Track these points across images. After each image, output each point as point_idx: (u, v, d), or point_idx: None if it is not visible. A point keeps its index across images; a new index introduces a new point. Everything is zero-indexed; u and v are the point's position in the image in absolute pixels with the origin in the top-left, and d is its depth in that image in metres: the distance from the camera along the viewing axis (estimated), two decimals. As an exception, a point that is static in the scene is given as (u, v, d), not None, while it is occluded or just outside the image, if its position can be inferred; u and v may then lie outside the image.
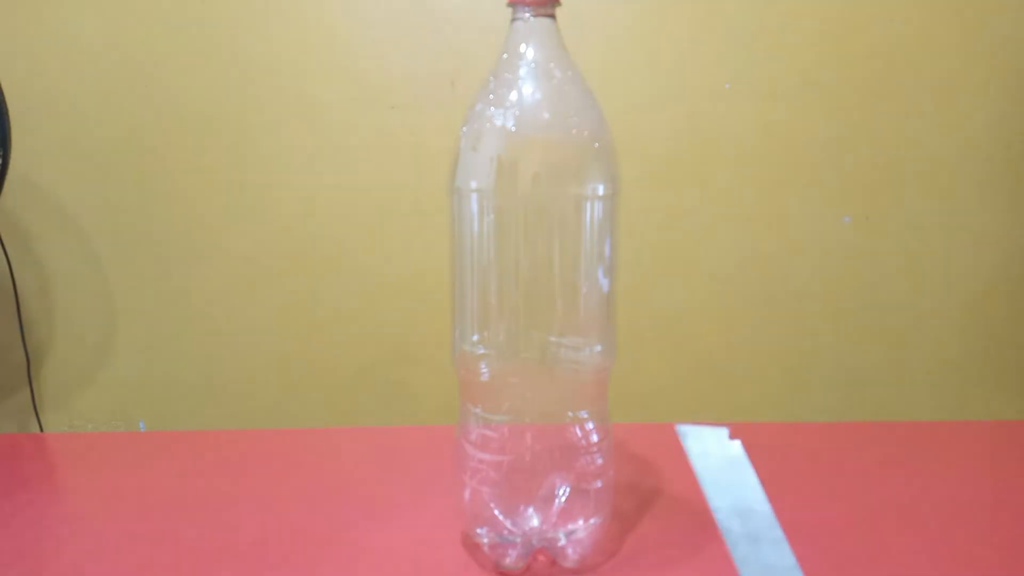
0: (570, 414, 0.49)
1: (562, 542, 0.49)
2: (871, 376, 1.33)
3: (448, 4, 1.22)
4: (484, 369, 0.48)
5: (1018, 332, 1.32)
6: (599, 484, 0.48)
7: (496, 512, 0.49)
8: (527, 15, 0.47)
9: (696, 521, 0.56)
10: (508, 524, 0.49)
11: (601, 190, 0.47)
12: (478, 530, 0.50)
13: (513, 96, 0.47)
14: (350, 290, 1.31)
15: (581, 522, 0.49)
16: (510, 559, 0.49)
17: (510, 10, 0.48)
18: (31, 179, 1.28)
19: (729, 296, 1.30)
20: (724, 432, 0.34)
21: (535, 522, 0.49)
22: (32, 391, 1.32)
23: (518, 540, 0.49)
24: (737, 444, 0.33)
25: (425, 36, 1.23)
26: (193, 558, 0.52)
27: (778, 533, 0.26)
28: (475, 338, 0.48)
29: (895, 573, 0.49)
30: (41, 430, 1.35)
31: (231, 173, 1.28)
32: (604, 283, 0.48)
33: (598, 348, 0.49)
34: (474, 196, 0.47)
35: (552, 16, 0.48)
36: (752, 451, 0.69)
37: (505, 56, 0.49)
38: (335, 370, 1.34)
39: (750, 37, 1.23)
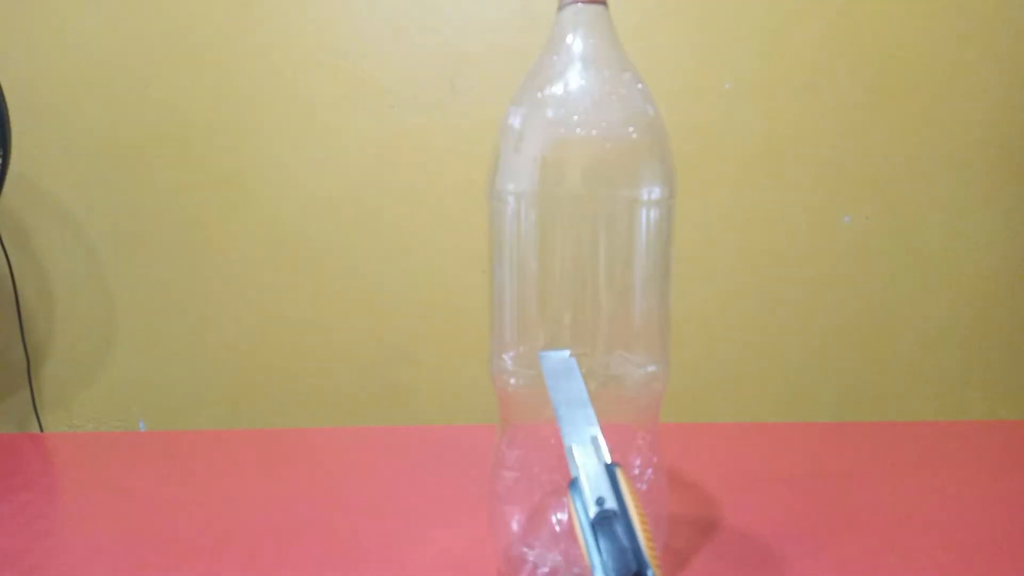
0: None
1: None
2: (871, 376, 1.33)
3: (448, 4, 1.22)
4: (524, 385, 0.45)
5: (1018, 333, 1.32)
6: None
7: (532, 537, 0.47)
8: (578, 2, 0.42)
9: (699, 524, 0.56)
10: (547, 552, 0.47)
11: (658, 194, 0.42)
12: (524, 549, 0.47)
13: (560, 91, 0.42)
14: (350, 290, 1.31)
15: None
16: None
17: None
18: (31, 179, 1.28)
19: (729, 296, 1.30)
20: (566, 353, 0.42)
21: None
22: (32, 391, 1.32)
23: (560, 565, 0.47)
24: (573, 361, 0.42)
25: (425, 36, 1.23)
26: (193, 558, 0.52)
27: (589, 410, 0.39)
28: (512, 355, 0.45)
29: (895, 572, 0.49)
30: (41, 430, 1.35)
31: (231, 173, 1.28)
32: (658, 296, 0.43)
33: (651, 368, 0.44)
34: (517, 199, 0.43)
35: (604, 3, 0.42)
36: (752, 451, 0.69)
37: (551, 47, 0.43)
38: (335, 370, 1.34)
39: (750, 37, 1.23)
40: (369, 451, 0.71)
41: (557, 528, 0.46)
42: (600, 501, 0.34)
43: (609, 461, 0.36)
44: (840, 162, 1.26)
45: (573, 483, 0.35)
